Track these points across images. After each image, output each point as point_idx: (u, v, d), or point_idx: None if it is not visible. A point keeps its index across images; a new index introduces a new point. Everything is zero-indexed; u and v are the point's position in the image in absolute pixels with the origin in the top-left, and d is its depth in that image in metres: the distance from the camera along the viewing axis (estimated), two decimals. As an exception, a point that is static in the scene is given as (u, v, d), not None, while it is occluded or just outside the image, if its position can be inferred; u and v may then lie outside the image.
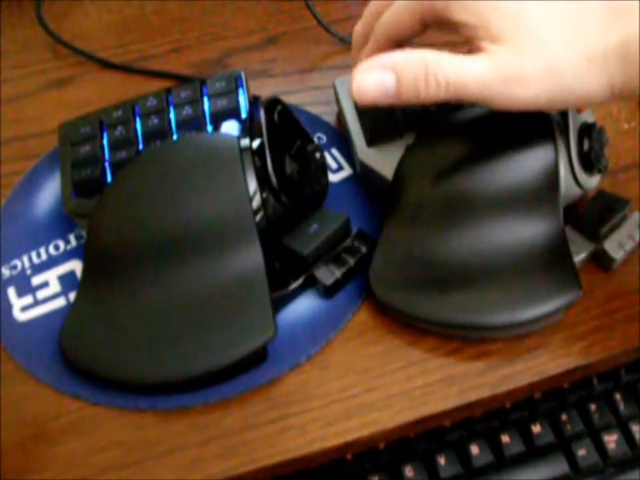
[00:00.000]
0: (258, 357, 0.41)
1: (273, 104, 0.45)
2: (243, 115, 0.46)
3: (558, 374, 0.42)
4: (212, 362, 0.40)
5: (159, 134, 0.46)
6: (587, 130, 0.46)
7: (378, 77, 0.38)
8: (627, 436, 0.46)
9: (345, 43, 0.58)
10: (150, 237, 0.42)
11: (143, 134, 0.46)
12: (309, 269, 0.43)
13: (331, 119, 0.54)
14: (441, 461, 0.44)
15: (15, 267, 0.46)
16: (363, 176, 0.49)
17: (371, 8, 0.44)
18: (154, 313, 0.41)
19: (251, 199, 0.42)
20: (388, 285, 0.43)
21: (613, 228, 0.45)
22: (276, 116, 0.44)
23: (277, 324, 0.40)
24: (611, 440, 0.45)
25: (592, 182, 0.46)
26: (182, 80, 0.56)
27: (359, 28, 0.45)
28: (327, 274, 0.43)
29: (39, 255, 0.47)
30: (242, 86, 0.48)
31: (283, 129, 0.44)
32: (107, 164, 0.46)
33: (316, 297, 0.44)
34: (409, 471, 0.44)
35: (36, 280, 0.46)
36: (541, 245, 0.42)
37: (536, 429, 0.45)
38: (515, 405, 0.45)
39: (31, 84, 0.57)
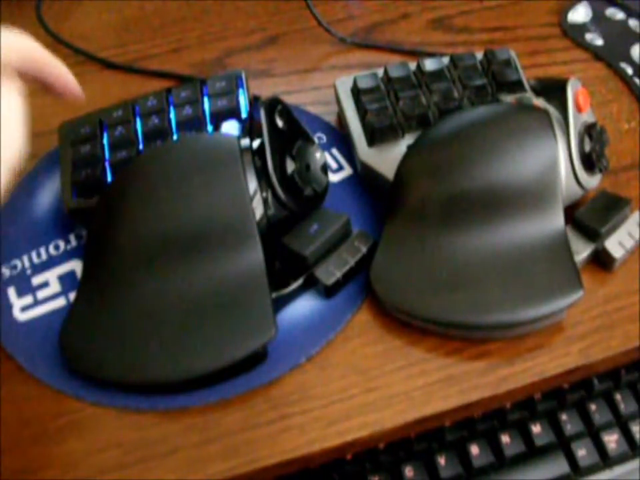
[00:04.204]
0: (258, 357, 0.41)
1: (273, 104, 0.45)
2: (243, 115, 0.46)
3: (558, 374, 0.42)
4: (212, 362, 0.40)
5: (159, 134, 0.46)
6: (588, 130, 0.46)
7: None
8: (627, 436, 0.46)
9: (345, 43, 0.58)
10: (150, 237, 0.42)
11: (143, 134, 0.46)
12: (309, 269, 0.43)
13: (331, 118, 0.54)
14: (441, 460, 0.44)
15: (15, 267, 0.46)
16: (364, 176, 0.49)
17: None
18: (154, 313, 0.41)
19: (251, 199, 0.42)
20: (389, 285, 0.43)
21: (613, 227, 0.45)
22: (276, 116, 0.44)
23: (277, 324, 0.40)
24: (611, 440, 0.45)
25: (593, 182, 0.46)
26: (182, 80, 0.56)
27: None
28: (327, 274, 0.43)
29: (39, 255, 0.47)
30: (242, 86, 0.48)
31: (283, 129, 0.44)
32: (107, 164, 0.46)
33: (316, 296, 0.44)
34: (409, 471, 0.44)
35: (36, 280, 0.46)
36: (542, 244, 0.42)
37: (536, 429, 0.45)
38: (514, 404, 0.45)
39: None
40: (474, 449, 0.44)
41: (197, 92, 0.47)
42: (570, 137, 0.45)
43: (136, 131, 0.47)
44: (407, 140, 0.47)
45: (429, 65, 0.50)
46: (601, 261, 0.45)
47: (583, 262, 0.44)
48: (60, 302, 0.45)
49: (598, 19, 0.61)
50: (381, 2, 0.62)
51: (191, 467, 0.39)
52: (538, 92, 0.49)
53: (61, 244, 0.47)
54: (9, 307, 0.45)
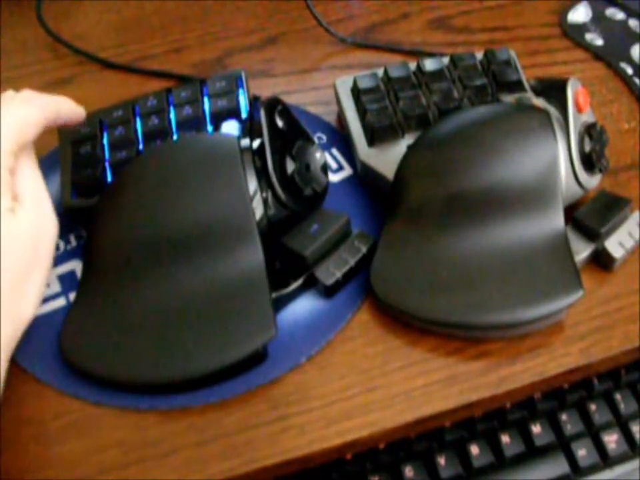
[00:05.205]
0: (258, 357, 0.41)
1: (273, 104, 0.45)
2: (243, 115, 0.46)
3: (558, 374, 0.42)
4: (212, 362, 0.40)
5: (159, 134, 0.46)
6: (588, 130, 0.46)
7: None
8: (627, 436, 0.46)
9: (345, 43, 0.58)
10: (150, 237, 0.42)
11: (143, 134, 0.46)
12: (309, 269, 0.43)
13: (331, 118, 0.54)
14: (441, 460, 0.44)
15: (15, 267, 0.46)
16: (364, 176, 0.49)
17: None
18: (154, 313, 0.41)
19: (251, 199, 0.42)
20: (389, 285, 0.43)
21: (613, 227, 0.45)
22: (276, 116, 0.44)
23: (277, 324, 0.40)
24: (611, 440, 0.45)
25: (593, 182, 0.46)
26: (182, 80, 0.56)
27: None
28: (327, 274, 0.43)
29: (39, 255, 0.47)
30: (242, 86, 0.48)
31: (283, 129, 0.44)
32: (107, 164, 0.46)
33: (316, 297, 0.44)
34: (409, 471, 0.44)
35: (36, 280, 0.46)
36: (542, 244, 0.42)
37: (536, 429, 0.45)
38: (514, 404, 0.45)
39: (31, 84, 0.56)
40: (474, 449, 0.44)
41: (197, 92, 0.47)
42: (570, 137, 0.45)
43: (136, 130, 0.47)
44: (407, 140, 0.47)
45: (429, 64, 0.50)
46: (601, 261, 0.45)
47: (582, 262, 0.44)
48: (60, 302, 0.45)
49: (598, 19, 0.61)
50: (381, 2, 0.62)
51: (190, 467, 0.39)
52: (538, 92, 0.49)
53: (61, 244, 0.47)
54: (9, 307, 0.45)
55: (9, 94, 0.41)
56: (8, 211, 0.38)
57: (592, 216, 0.45)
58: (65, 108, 0.44)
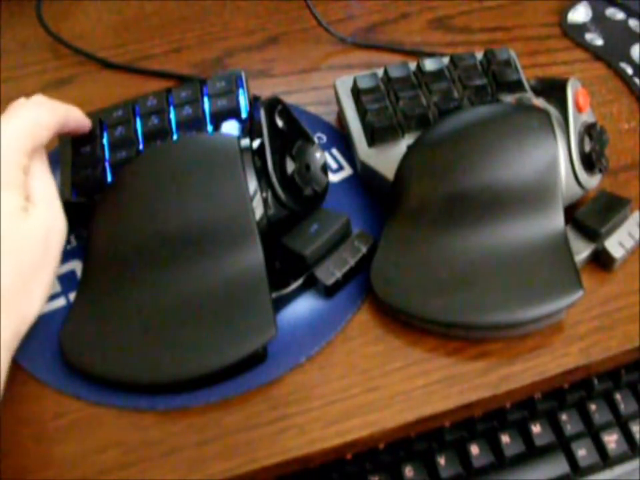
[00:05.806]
0: (258, 357, 0.41)
1: (273, 104, 0.45)
2: (243, 115, 0.46)
3: (558, 374, 0.42)
4: (212, 362, 0.40)
5: (159, 134, 0.46)
6: (588, 130, 0.46)
7: None
8: (627, 436, 0.46)
9: (345, 43, 0.58)
10: (150, 237, 0.42)
11: (143, 134, 0.46)
12: (309, 269, 0.43)
13: (331, 118, 0.54)
14: (441, 461, 0.44)
15: (14, 267, 0.46)
16: (364, 176, 0.49)
17: None
18: (154, 313, 0.41)
19: (251, 199, 0.42)
20: (389, 285, 0.43)
21: (613, 227, 0.45)
22: (276, 116, 0.44)
23: (277, 324, 0.40)
24: (611, 440, 0.45)
25: (593, 182, 0.46)
26: (182, 80, 0.56)
27: None
28: (327, 274, 0.43)
29: (38, 255, 0.47)
30: (242, 86, 0.48)
31: (283, 129, 0.44)
32: (107, 164, 0.46)
33: (316, 297, 0.44)
34: (408, 471, 0.44)
35: (36, 280, 0.46)
36: (542, 244, 0.42)
37: (536, 429, 0.45)
38: (514, 404, 0.45)
39: (31, 84, 0.56)
40: (474, 449, 0.44)
41: (197, 92, 0.47)
42: (570, 137, 0.45)
43: (136, 130, 0.47)
44: (407, 140, 0.47)
45: (429, 64, 0.50)
46: (601, 261, 0.45)
47: (582, 262, 0.44)
48: (60, 302, 0.45)
49: (598, 18, 0.61)
50: (381, 2, 0.62)
51: (191, 467, 0.39)
52: (538, 92, 0.49)
53: (61, 244, 0.47)
54: (9, 306, 0.44)
55: (21, 100, 0.42)
56: (21, 210, 0.38)
57: (592, 216, 0.45)
58: (73, 115, 0.45)
